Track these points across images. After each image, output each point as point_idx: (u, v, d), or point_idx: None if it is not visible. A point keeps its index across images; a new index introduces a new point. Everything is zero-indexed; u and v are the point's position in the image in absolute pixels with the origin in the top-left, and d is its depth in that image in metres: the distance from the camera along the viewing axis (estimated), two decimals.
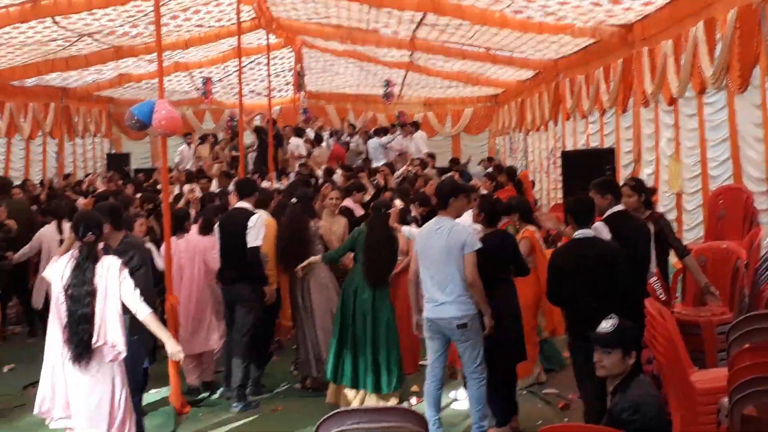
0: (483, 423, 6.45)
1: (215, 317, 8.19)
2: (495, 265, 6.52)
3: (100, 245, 5.59)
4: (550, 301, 6.41)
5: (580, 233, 5.94)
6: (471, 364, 6.44)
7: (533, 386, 7.77)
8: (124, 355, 5.42)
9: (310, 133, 18.78)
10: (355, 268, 7.54)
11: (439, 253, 6.36)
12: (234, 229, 7.66)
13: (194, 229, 8.33)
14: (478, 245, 6.35)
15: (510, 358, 6.69)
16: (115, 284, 5.39)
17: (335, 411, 4.18)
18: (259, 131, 17.19)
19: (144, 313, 5.48)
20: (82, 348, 5.30)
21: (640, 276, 6.36)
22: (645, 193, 7.14)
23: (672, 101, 10.62)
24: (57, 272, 5.43)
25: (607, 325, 4.41)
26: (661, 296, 6.79)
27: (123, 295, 5.42)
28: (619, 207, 6.59)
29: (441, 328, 6.45)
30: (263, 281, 7.80)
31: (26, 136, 17.68)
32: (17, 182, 13.86)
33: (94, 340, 5.32)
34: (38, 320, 10.10)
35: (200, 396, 8.00)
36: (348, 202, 9.77)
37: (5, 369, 9.12)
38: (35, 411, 5.56)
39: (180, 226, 8.09)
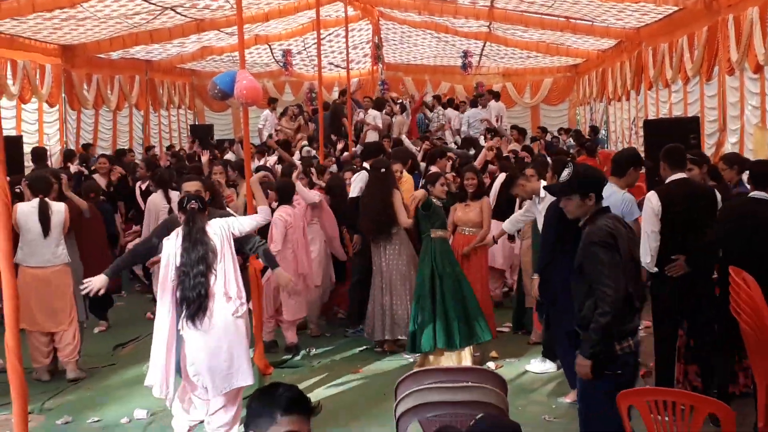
0: None
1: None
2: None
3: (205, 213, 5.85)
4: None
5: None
6: None
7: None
8: (245, 308, 5.66)
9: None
10: (427, 240, 7.69)
11: None
12: None
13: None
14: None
15: None
16: (227, 236, 5.68)
17: (414, 371, 4.25)
18: (327, 105, 17.40)
19: (261, 216, 6.17)
20: (198, 305, 5.49)
21: None
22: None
23: (758, 68, 10.35)
24: (170, 245, 5.66)
25: (564, 174, 4.73)
26: None
27: (235, 228, 5.80)
28: (682, 174, 6.25)
29: None
30: None
31: (113, 107, 18.21)
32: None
33: (215, 296, 5.54)
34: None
35: (283, 357, 8.22)
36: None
37: (96, 330, 9.46)
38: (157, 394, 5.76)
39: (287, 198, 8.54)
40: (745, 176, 7.01)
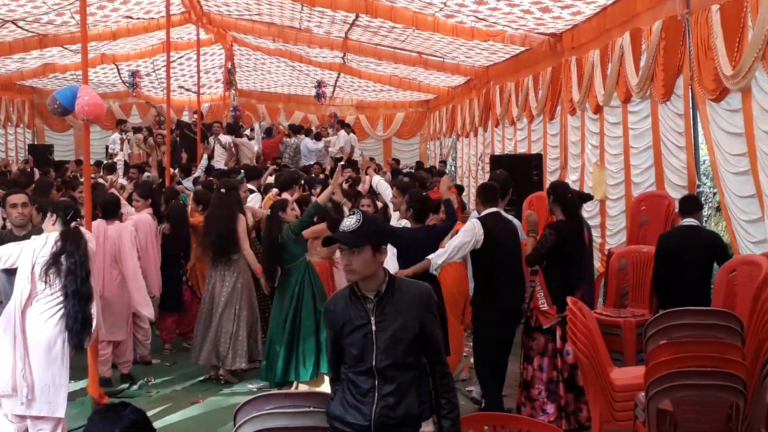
0: None
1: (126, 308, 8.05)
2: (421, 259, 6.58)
3: None
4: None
5: None
6: None
7: (456, 383, 7.80)
8: None
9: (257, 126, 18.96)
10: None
11: None
12: None
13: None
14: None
15: None
16: None
17: (254, 395, 4.12)
18: (179, 125, 17.09)
19: None
20: None
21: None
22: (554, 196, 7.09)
23: (598, 109, 10.81)
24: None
25: (351, 220, 3.74)
26: (542, 306, 6.61)
27: None
28: (494, 209, 6.83)
29: None
30: None
31: None
32: None
33: None
34: None
35: (119, 387, 7.85)
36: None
37: None
38: None
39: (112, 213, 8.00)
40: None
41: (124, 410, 2.73)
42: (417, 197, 7.07)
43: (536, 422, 4.22)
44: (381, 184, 9.06)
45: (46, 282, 5.56)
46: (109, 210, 7.93)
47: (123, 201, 8.94)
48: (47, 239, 5.66)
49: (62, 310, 5.57)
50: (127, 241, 7.79)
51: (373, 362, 3.70)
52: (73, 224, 5.72)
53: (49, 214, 5.85)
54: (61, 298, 5.57)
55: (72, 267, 5.57)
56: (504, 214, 7.07)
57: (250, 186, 10.32)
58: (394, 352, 3.69)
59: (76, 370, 7.13)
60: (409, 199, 7.05)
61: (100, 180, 12.41)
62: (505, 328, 6.76)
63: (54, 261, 5.56)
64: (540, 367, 6.66)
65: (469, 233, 6.55)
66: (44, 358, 5.52)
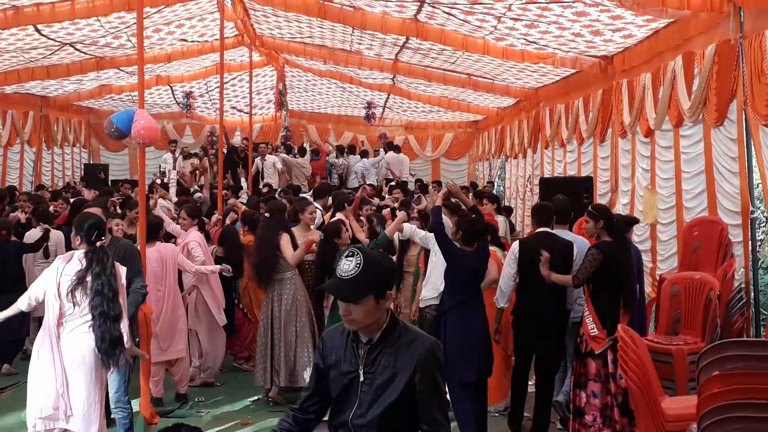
0: None
1: (185, 324, 8.25)
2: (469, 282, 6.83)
3: None
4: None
5: None
6: None
7: (506, 411, 7.78)
8: None
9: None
10: None
11: None
12: None
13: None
14: None
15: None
16: None
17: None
18: (230, 150, 17.42)
19: None
20: None
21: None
22: (605, 219, 7.07)
23: (649, 133, 10.72)
24: None
25: (350, 265, 3.17)
26: (592, 331, 6.63)
27: None
28: (546, 228, 7.24)
29: None
30: None
31: (4, 143, 17.55)
32: None
33: None
34: None
35: (170, 408, 7.95)
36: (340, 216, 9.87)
37: None
38: None
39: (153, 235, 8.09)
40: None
41: (181, 430, 2.75)
42: (467, 220, 7.11)
43: None
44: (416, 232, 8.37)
45: (72, 302, 5.59)
46: (149, 233, 8.06)
47: (168, 220, 9.16)
48: (73, 257, 5.71)
49: (89, 329, 5.62)
50: (172, 259, 8.06)
51: (350, 416, 3.24)
52: (98, 243, 5.73)
53: (72, 233, 5.87)
54: (89, 318, 5.62)
55: (99, 287, 5.60)
56: (558, 233, 7.27)
57: (316, 204, 10.42)
58: (374, 412, 3.19)
59: (129, 390, 7.28)
60: (459, 222, 7.11)
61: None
62: (543, 341, 7.06)
63: (79, 281, 5.59)
64: (593, 393, 6.61)
65: (510, 264, 7.19)
66: (80, 376, 5.60)
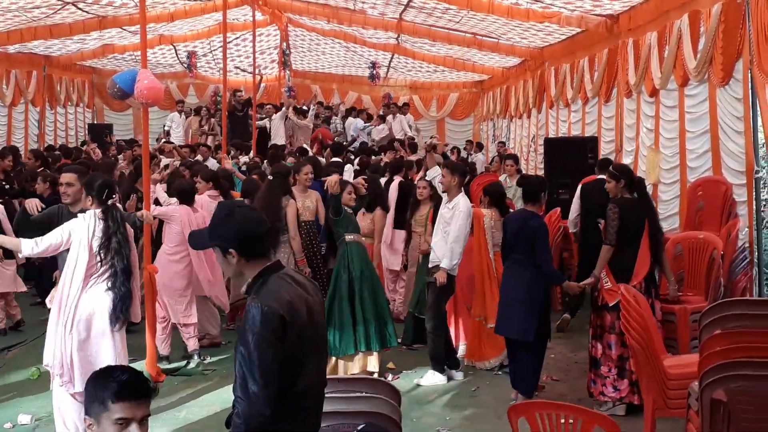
0: None
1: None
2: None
3: None
4: None
5: None
6: None
7: (506, 367, 7.84)
8: None
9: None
10: (342, 244, 7.67)
11: None
12: None
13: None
14: None
15: None
16: None
17: None
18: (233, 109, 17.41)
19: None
20: None
21: None
22: (626, 179, 7.08)
23: (654, 92, 10.67)
24: None
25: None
26: (606, 284, 6.71)
27: None
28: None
29: None
30: None
31: (8, 103, 17.49)
32: None
33: None
34: None
35: (176, 365, 8.03)
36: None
37: None
38: None
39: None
40: None
41: (113, 373, 2.76)
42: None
43: (586, 410, 4.23)
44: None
45: (100, 259, 5.67)
46: (184, 196, 8.39)
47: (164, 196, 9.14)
48: (93, 216, 5.74)
49: (110, 287, 5.68)
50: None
51: None
52: (110, 202, 5.77)
53: (84, 194, 5.90)
54: (109, 275, 5.68)
55: (117, 246, 5.68)
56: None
57: (335, 159, 10.43)
58: None
59: (136, 349, 7.34)
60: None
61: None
62: None
63: (107, 240, 5.66)
64: (608, 345, 6.73)
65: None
66: (92, 334, 5.67)
